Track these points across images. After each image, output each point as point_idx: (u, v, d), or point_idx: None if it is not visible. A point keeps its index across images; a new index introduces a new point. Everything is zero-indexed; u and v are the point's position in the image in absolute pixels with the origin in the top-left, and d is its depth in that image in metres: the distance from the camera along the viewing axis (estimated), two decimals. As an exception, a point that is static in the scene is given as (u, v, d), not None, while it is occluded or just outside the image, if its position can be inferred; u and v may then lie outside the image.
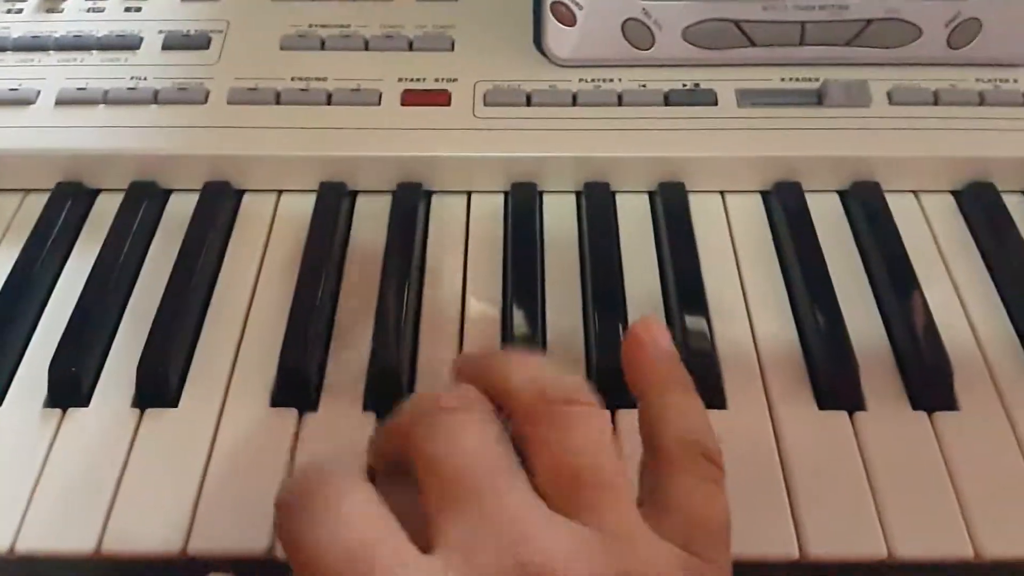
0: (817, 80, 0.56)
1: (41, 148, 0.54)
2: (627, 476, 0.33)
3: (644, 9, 0.55)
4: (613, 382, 0.39)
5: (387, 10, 0.60)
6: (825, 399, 0.45)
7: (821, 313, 0.47)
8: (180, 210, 0.54)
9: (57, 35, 0.60)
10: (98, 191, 0.55)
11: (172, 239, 0.52)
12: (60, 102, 0.56)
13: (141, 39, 0.59)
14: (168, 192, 0.55)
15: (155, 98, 0.56)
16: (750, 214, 0.54)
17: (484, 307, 0.50)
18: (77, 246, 0.53)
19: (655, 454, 0.35)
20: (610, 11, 0.56)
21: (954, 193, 0.55)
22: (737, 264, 0.51)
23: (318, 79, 0.56)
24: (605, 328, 0.47)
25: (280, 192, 0.55)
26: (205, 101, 0.56)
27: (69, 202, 0.54)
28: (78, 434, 0.44)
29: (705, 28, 0.56)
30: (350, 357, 0.47)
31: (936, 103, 0.55)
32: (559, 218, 0.54)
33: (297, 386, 0.45)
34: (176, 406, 0.45)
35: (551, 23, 0.56)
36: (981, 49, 0.56)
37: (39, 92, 0.56)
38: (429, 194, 0.55)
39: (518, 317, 0.48)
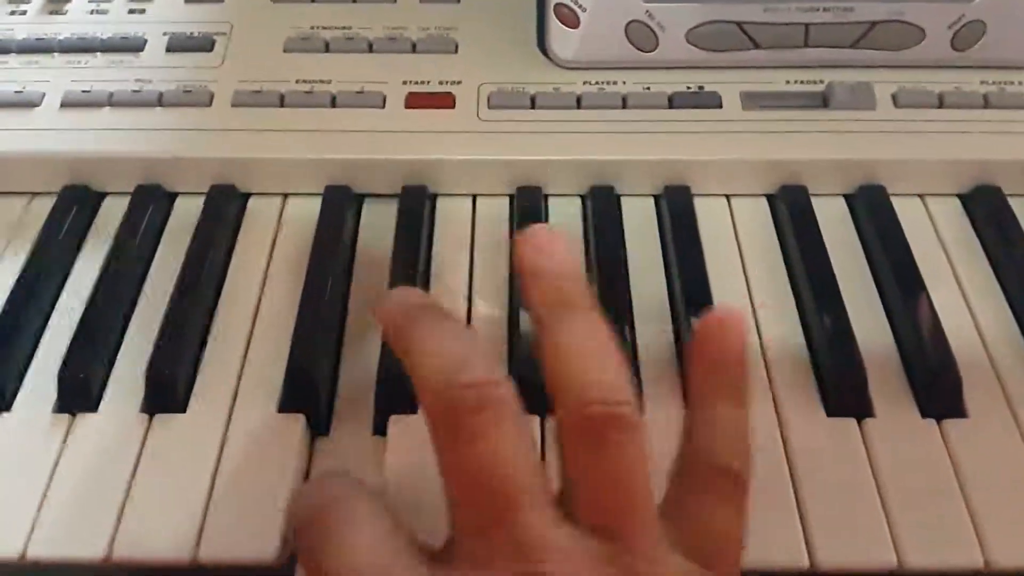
0: (822, 82, 0.56)
1: (46, 151, 0.54)
2: (653, 496, 0.33)
3: (648, 11, 0.55)
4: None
5: (390, 12, 0.60)
6: (833, 406, 0.45)
7: (828, 319, 0.47)
8: (186, 213, 0.54)
9: (61, 37, 0.59)
10: (104, 194, 0.55)
11: (178, 243, 0.52)
12: (65, 104, 0.56)
13: (145, 41, 0.59)
14: (174, 195, 0.55)
15: (160, 101, 0.56)
16: (756, 217, 0.54)
17: (490, 309, 0.50)
18: (84, 250, 0.52)
19: (687, 464, 0.36)
20: (613, 13, 0.56)
21: (960, 196, 0.55)
22: (743, 268, 0.52)
23: (322, 82, 0.56)
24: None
25: (286, 195, 0.55)
26: (210, 104, 0.56)
27: (75, 206, 0.54)
28: (87, 440, 0.44)
29: (709, 30, 0.56)
30: (359, 360, 0.47)
31: (941, 106, 0.55)
32: (564, 221, 0.54)
33: (305, 391, 0.45)
34: (184, 412, 0.45)
35: (554, 25, 0.56)
36: (985, 51, 0.56)
37: (44, 95, 0.56)
38: (434, 197, 0.55)
39: (524, 319, 0.48)
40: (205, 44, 0.59)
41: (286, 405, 0.45)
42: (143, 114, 0.55)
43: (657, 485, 0.34)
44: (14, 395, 0.46)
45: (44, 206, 0.54)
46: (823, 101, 0.56)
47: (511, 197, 0.55)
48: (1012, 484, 0.42)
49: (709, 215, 0.54)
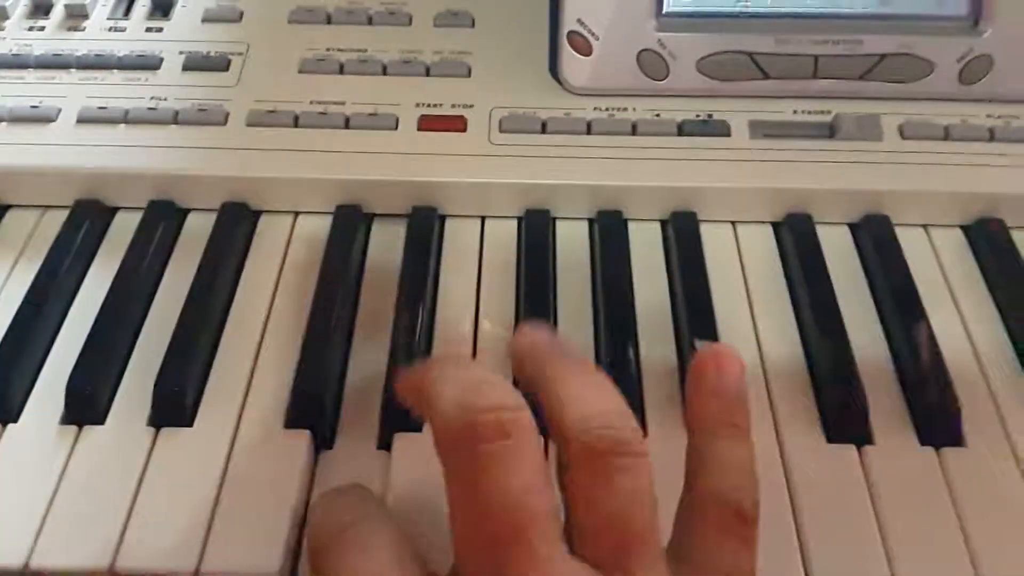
0: (829, 113, 0.57)
1: (61, 166, 0.55)
2: (657, 529, 0.33)
3: (659, 40, 0.56)
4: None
5: (405, 35, 0.61)
6: (834, 432, 0.45)
7: (831, 346, 0.48)
8: (197, 230, 0.54)
9: (79, 53, 0.60)
10: (116, 209, 0.56)
11: (189, 258, 0.53)
12: (81, 120, 0.57)
13: (162, 59, 0.60)
14: (186, 211, 0.56)
15: (175, 119, 0.56)
16: (761, 244, 0.55)
17: (497, 331, 0.50)
18: (95, 264, 0.53)
19: (691, 501, 0.35)
20: (626, 42, 0.56)
21: (963, 228, 0.55)
22: (747, 294, 0.52)
23: (336, 103, 0.57)
24: (616, 354, 0.48)
25: (296, 213, 0.56)
26: (225, 123, 0.56)
27: (88, 220, 0.54)
28: (94, 451, 0.44)
29: (719, 60, 0.56)
30: (365, 379, 0.48)
31: (947, 138, 0.56)
32: (572, 245, 0.54)
33: (311, 409, 0.45)
34: (191, 426, 0.45)
35: (567, 52, 0.57)
36: (992, 86, 0.57)
37: (60, 110, 0.57)
38: (443, 218, 0.56)
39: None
40: (221, 63, 0.59)
41: (292, 423, 0.45)
42: (158, 131, 0.56)
43: (661, 511, 0.34)
44: (22, 406, 0.46)
45: (56, 219, 0.55)
46: (830, 132, 0.56)
47: (519, 220, 0.56)
48: (1008, 513, 0.42)
49: (715, 241, 0.55)
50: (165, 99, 0.58)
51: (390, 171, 0.55)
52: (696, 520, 0.35)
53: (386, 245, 0.54)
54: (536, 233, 0.54)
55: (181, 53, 0.60)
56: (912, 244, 0.54)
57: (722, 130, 0.56)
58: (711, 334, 0.49)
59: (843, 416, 0.45)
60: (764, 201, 0.55)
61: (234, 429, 0.45)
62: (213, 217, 0.55)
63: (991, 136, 0.56)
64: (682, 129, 0.56)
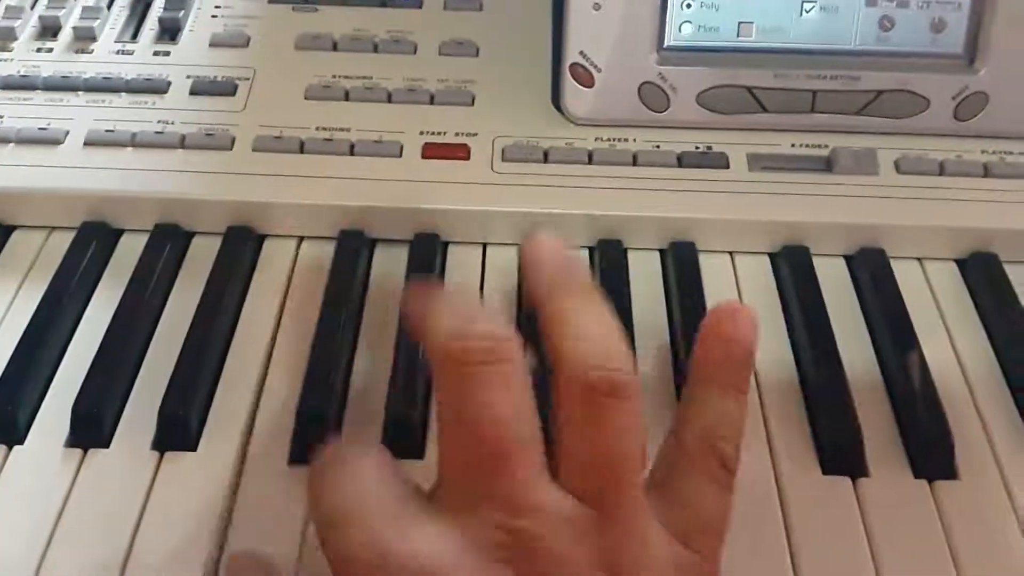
0: (827, 147, 0.58)
1: (68, 188, 0.56)
2: (645, 468, 0.35)
3: (660, 73, 0.57)
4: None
5: (410, 64, 0.62)
6: (829, 464, 0.46)
7: (826, 378, 0.48)
8: (203, 253, 0.55)
9: (86, 76, 0.61)
10: (122, 231, 0.57)
11: (194, 282, 0.53)
12: (88, 143, 0.57)
13: (169, 83, 0.61)
14: (191, 235, 0.56)
15: (182, 143, 0.57)
16: (758, 275, 0.55)
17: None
18: (101, 286, 0.54)
19: (677, 442, 0.37)
20: (627, 74, 0.57)
21: (957, 262, 0.56)
22: (744, 325, 0.53)
23: (341, 129, 0.58)
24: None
25: (301, 238, 0.56)
26: (231, 147, 0.57)
27: (94, 242, 0.55)
28: (98, 474, 0.45)
29: (719, 93, 0.57)
30: (367, 402, 0.48)
31: (942, 173, 0.57)
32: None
33: (314, 438, 0.46)
34: (195, 450, 0.46)
35: (569, 83, 0.58)
36: (987, 122, 0.58)
37: (67, 132, 0.58)
38: (446, 244, 0.56)
39: (531, 368, 0.49)
40: (228, 88, 0.60)
41: (295, 453, 0.46)
42: (165, 155, 0.57)
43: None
44: (28, 428, 0.47)
45: (63, 241, 0.55)
46: (827, 165, 0.57)
47: (520, 247, 0.56)
48: (1000, 546, 0.43)
49: (713, 271, 0.55)
50: (172, 123, 0.58)
51: (394, 198, 0.55)
52: (681, 459, 0.37)
53: (389, 271, 0.55)
54: (537, 261, 0.55)
55: (188, 77, 0.61)
56: (907, 277, 0.55)
57: (721, 162, 0.57)
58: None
59: (838, 449, 0.46)
60: (762, 232, 0.56)
61: (239, 453, 0.46)
62: (218, 241, 0.55)
63: (985, 172, 0.57)
64: (682, 160, 0.57)
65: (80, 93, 0.60)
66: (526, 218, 0.55)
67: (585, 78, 0.57)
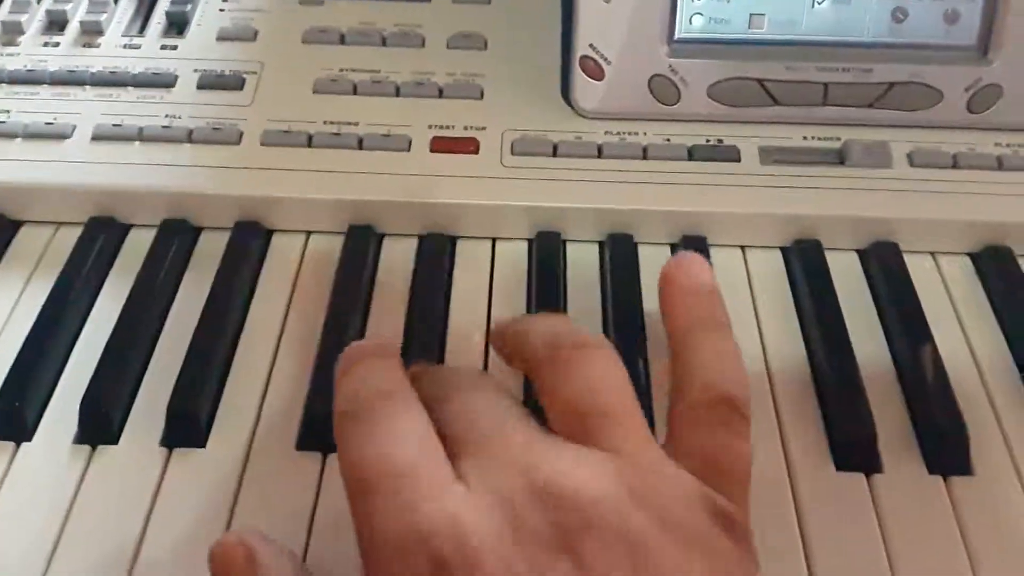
0: (839, 140, 0.57)
1: (75, 183, 0.55)
2: (639, 412, 0.34)
3: (671, 66, 0.57)
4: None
5: (418, 57, 0.62)
6: (842, 460, 0.45)
7: (840, 373, 0.48)
8: (211, 248, 0.55)
9: (93, 70, 0.61)
10: (130, 226, 0.56)
11: (202, 277, 0.53)
12: (96, 137, 0.57)
13: (176, 77, 0.60)
14: (200, 230, 0.56)
15: (189, 137, 0.57)
16: (770, 269, 0.55)
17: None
18: (108, 282, 0.53)
19: (680, 399, 0.36)
20: (637, 67, 0.57)
21: (971, 255, 0.56)
22: (756, 319, 0.52)
23: (350, 123, 0.58)
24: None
25: (309, 233, 0.56)
26: (239, 142, 0.57)
27: (102, 237, 0.55)
28: (107, 471, 0.45)
29: (730, 86, 0.57)
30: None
31: (955, 166, 0.56)
32: (582, 267, 0.55)
33: (323, 430, 0.46)
34: (204, 446, 0.46)
35: (579, 76, 0.57)
36: (1000, 114, 0.57)
37: (75, 127, 0.57)
38: (455, 239, 0.56)
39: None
40: (236, 82, 0.60)
41: (303, 444, 0.46)
42: (172, 150, 0.56)
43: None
44: (36, 425, 0.47)
45: (71, 236, 0.55)
46: (839, 158, 0.56)
47: (530, 241, 0.56)
48: (1016, 542, 0.43)
49: (724, 265, 0.55)
50: (179, 117, 0.58)
51: (402, 192, 0.55)
52: (688, 414, 0.35)
53: (397, 265, 0.55)
54: (547, 255, 0.55)
55: (196, 71, 0.61)
56: (920, 271, 0.54)
57: (732, 155, 0.57)
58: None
59: (852, 445, 0.45)
60: (773, 226, 0.55)
61: (247, 449, 0.46)
62: (226, 236, 0.55)
63: (999, 164, 0.56)
64: (692, 154, 0.57)
65: (87, 87, 0.60)
66: (536, 212, 0.55)
67: (595, 71, 0.57)
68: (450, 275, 0.54)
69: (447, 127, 0.58)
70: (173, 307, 0.52)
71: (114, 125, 0.57)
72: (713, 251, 0.55)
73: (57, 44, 0.63)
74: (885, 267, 0.54)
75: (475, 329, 0.51)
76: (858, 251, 0.56)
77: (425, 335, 0.50)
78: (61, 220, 0.56)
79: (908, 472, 0.45)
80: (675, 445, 0.35)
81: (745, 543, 0.33)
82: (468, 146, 0.57)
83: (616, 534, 0.30)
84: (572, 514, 0.30)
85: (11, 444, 0.46)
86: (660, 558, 0.30)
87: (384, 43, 0.62)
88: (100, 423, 0.46)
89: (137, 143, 0.57)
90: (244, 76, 0.60)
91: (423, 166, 0.56)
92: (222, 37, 0.63)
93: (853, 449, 0.45)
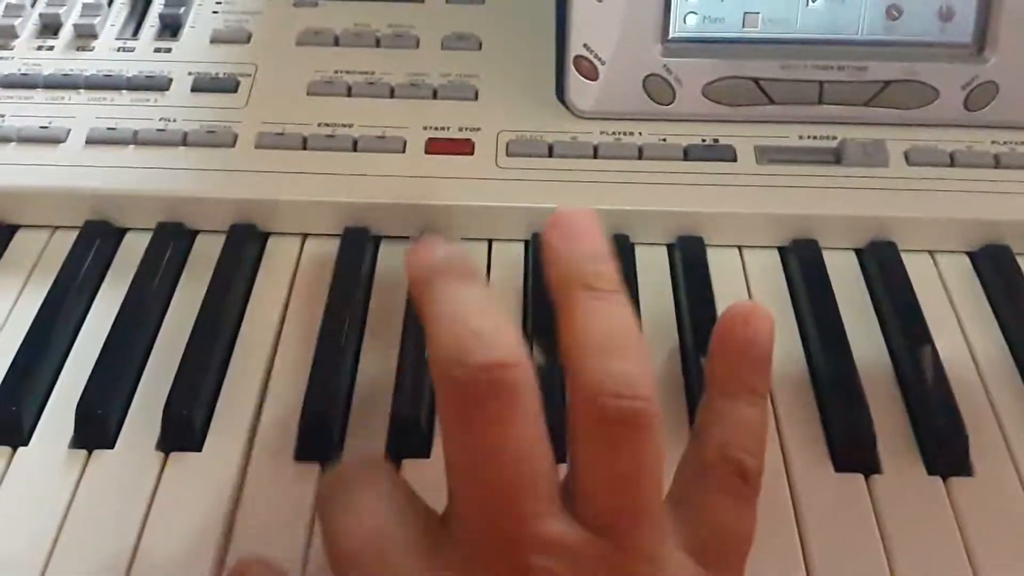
0: (835, 139, 0.57)
1: (70, 186, 0.55)
2: (661, 498, 0.33)
3: (665, 66, 0.56)
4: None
5: (412, 58, 0.62)
6: (841, 461, 0.45)
7: (838, 374, 0.48)
8: (206, 251, 0.55)
9: (88, 73, 0.60)
10: (125, 230, 0.56)
11: (198, 280, 0.53)
12: (90, 141, 0.57)
13: (171, 80, 0.60)
14: (195, 233, 0.56)
15: (184, 140, 0.57)
16: (767, 269, 0.55)
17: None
18: (104, 286, 0.53)
19: (696, 456, 0.35)
20: (632, 67, 0.57)
21: (969, 254, 0.56)
22: (753, 319, 0.52)
23: (344, 125, 0.57)
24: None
25: (305, 236, 0.56)
26: (233, 144, 0.57)
27: (97, 241, 0.54)
28: (103, 475, 0.45)
29: (725, 85, 0.57)
30: (372, 401, 0.48)
31: (952, 164, 0.56)
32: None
33: (320, 438, 0.46)
34: (200, 450, 0.46)
35: (573, 76, 0.57)
36: (997, 112, 0.57)
37: (69, 131, 0.57)
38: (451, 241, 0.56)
39: (538, 364, 0.48)
40: (230, 85, 0.60)
41: (301, 453, 0.46)
42: (167, 153, 0.56)
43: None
44: (32, 429, 0.46)
45: (66, 240, 0.55)
46: (836, 157, 0.56)
47: (526, 243, 0.56)
48: (1016, 543, 0.42)
49: (721, 266, 0.55)
50: (174, 120, 0.58)
51: (398, 194, 0.55)
52: (699, 474, 0.35)
53: (394, 267, 0.55)
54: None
55: (190, 74, 0.61)
56: (918, 270, 0.54)
57: (728, 155, 0.56)
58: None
59: (851, 446, 0.45)
60: (770, 226, 0.55)
61: (244, 453, 0.45)
62: (222, 239, 0.55)
63: (996, 163, 0.56)
64: (688, 154, 0.56)
65: (81, 91, 0.60)
66: (531, 213, 0.55)
67: (589, 71, 0.57)
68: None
69: (442, 128, 0.58)
70: (169, 311, 0.52)
71: (108, 128, 0.57)
72: (710, 251, 0.55)
73: (51, 48, 0.63)
74: (883, 266, 0.54)
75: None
76: (856, 250, 0.56)
77: (422, 338, 0.50)
78: (56, 224, 0.56)
79: (907, 473, 0.45)
80: (683, 503, 0.34)
81: None
82: (463, 147, 0.57)
83: None
84: None
85: (7, 449, 0.45)
86: None
87: (378, 44, 0.62)
88: (96, 427, 0.46)
89: (132, 146, 0.57)
90: (238, 78, 0.60)
91: (418, 168, 0.56)
92: (216, 39, 0.63)
93: (852, 450, 0.45)
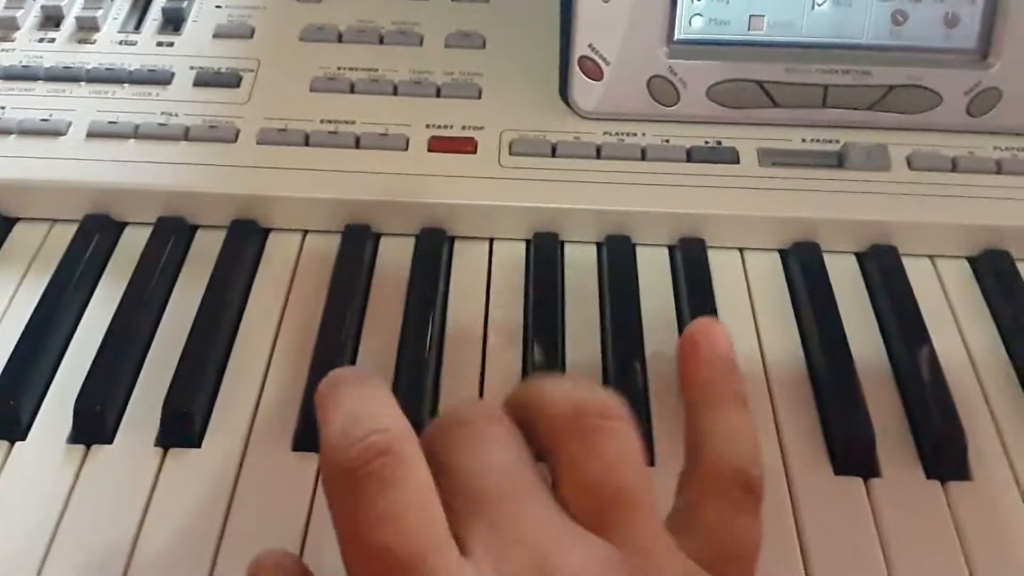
0: (838, 142, 0.57)
1: (71, 180, 0.55)
2: (652, 492, 0.33)
3: (670, 67, 0.56)
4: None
5: (416, 56, 0.61)
6: (841, 465, 0.45)
7: (838, 378, 0.48)
8: (207, 247, 0.54)
9: (89, 67, 0.60)
10: (125, 224, 0.56)
11: (198, 276, 0.53)
12: (91, 134, 0.57)
13: (173, 74, 0.60)
14: (195, 228, 0.56)
15: (186, 135, 0.57)
16: (768, 272, 0.55)
17: (505, 351, 0.50)
18: (104, 280, 0.53)
19: (693, 472, 0.35)
20: (637, 68, 0.57)
21: (969, 259, 0.56)
22: (755, 321, 0.52)
23: (347, 122, 0.57)
24: (624, 380, 0.48)
25: (305, 232, 0.56)
26: (235, 140, 0.56)
27: (97, 235, 0.54)
28: (101, 471, 0.44)
29: (729, 87, 0.57)
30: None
31: (954, 169, 0.56)
32: (580, 268, 0.55)
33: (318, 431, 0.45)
34: (199, 446, 0.45)
35: (578, 76, 0.57)
36: (999, 118, 0.57)
37: (70, 124, 0.57)
38: (452, 239, 0.56)
39: (538, 364, 0.49)
40: (232, 80, 0.60)
41: (300, 445, 0.46)
42: (168, 148, 0.56)
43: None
44: (30, 424, 0.46)
45: (65, 233, 0.55)
46: (839, 161, 0.56)
47: (528, 242, 0.56)
48: (1013, 547, 0.43)
49: (722, 268, 0.55)
50: (176, 115, 0.58)
51: (399, 192, 0.55)
52: (699, 488, 0.34)
53: (394, 264, 0.54)
54: (544, 256, 0.54)
55: (192, 68, 0.60)
56: (918, 275, 0.54)
57: (731, 157, 0.56)
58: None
59: (850, 449, 0.45)
60: (772, 229, 0.55)
61: (243, 450, 0.45)
62: (222, 234, 0.55)
63: (998, 168, 0.56)
64: (691, 155, 0.56)
65: (83, 84, 0.60)
66: (533, 213, 0.55)
67: (594, 71, 0.57)
68: (447, 275, 0.54)
69: (445, 127, 0.58)
70: (168, 306, 0.52)
71: (110, 122, 0.57)
72: (711, 253, 0.55)
73: (52, 40, 0.63)
74: (883, 270, 0.54)
75: (473, 330, 0.51)
76: (857, 254, 0.56)
77: (422, 336, 0.50)
78: (56, 217, 0.56)
79: (906, 477, 0.45)
80: (685, 519, 0.34)
81: None
82: (466, 146, 0.57)
83: None
84: None
85: (5, 443, 0.45)
86: None
87: (382, 41, 0.62)
88: (94, 422, 0.46)
89: (133, 140, 0.57)
90: (241, 74, 0.60)
91: (420, 166, 0.56)
92: (219, 34, 0.63)
93: (851, 453, 0.45)
